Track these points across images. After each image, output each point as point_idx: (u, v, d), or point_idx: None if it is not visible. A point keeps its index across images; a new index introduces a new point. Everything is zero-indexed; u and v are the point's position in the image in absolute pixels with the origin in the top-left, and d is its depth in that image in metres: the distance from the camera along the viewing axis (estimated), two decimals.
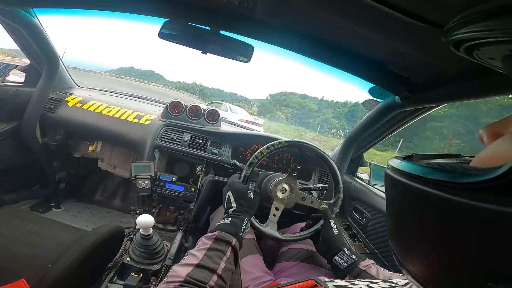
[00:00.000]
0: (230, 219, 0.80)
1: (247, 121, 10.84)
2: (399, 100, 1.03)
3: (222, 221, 0.80)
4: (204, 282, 0.61)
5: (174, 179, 1.58)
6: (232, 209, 0.84)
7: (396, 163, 0.32)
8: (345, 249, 0.93)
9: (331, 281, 0.54)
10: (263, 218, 1.04)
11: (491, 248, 0.21)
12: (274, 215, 1.05)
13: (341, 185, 1.10)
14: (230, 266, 0.70)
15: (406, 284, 0.43)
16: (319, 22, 0.81)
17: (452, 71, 0.77)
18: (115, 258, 1.19)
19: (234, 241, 0.74)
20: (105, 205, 2.24)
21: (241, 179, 0.97)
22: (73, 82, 2.02)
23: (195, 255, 0.68)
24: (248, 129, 2.05)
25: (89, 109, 1.76)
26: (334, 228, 0.98)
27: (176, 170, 1.68)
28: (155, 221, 1.58)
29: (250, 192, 0.89)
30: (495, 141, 0.27)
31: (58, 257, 0.92)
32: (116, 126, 1.71)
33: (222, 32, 0.99)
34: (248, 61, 1.08)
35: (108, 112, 1.75)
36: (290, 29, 0.90)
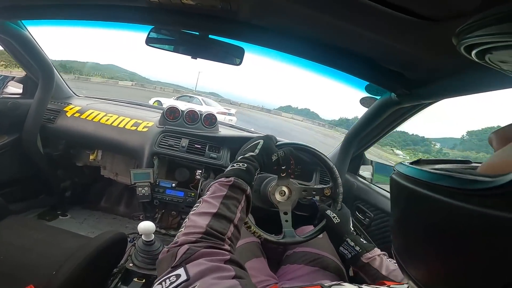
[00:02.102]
0: (245, 165, 0.75)
1: (224, 113, 11.50)
2: (395, 97, 1.01)
3: (237, 166, 0.75)
4: (223, 233, 0.59)
5: (173, 184, 1.59)
6: (251, 154, 0.81)
7: (402, 168, 0.32)
8: (348, 240, 0.90)
9: (339, 284, 0.54)
10: (262, 221, 1.02)
11: (499, 255, 0.20)
12: (287, 221, 1.03)
13: (335, 170, 1.07)
14: (243, 215, 0.68)
15: None
16: (306, 21, 0.79)
17: (447, 66, 0.74)
18: (119, 264, 1.20)
19: (248, 190, 0.71)
20: (110, 211, 2.26)
21: (277, 143, 0.94)
22: (70, 91, 2.04)
23: (211, 202, 0.64)
24: (247, 132, 2.04)
25: (87, 118, 1.77)
26: (334, 217, 0.96)
27: (176, 175, 1.68)
28: (157, 226, 1.60)
29: (275, 155, 0.87)
30: (505, 146, 0.26)
31: (63, 264, 0.94)
32: (114, 134, 1.72)
33: (211, 36, 0.98)
34: (240, 64, 1.07)
35: (106, 120, 1.76)
36: (278, 30, 0.88)
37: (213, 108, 11.98)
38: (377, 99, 1.17)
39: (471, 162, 0.33)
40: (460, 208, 0.22)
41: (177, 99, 12.64)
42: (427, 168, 0.29)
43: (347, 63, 0.93)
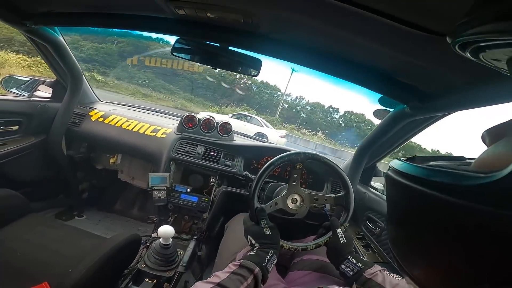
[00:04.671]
0: (256, 251, 0.85)
1: (284, 136, 10.94)
2: (408, 109, 1.02)
3: (249, 254, 0.85)
4: None
5: (188, 190, 1.63)
6: (257, 248, 0.88)
7: (397, 164, 0.32)
8: (350, 257, 0.93)
9: None
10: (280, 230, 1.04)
11: (492, 250, 0.21)
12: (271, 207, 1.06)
13: (351, 189, 1.09)
14: None
15: None
16: (323, 36, 0.82)
17: (460, 79, 0.76)
18: (131, 265, 1.23)
19: (257, 269, 0.77)
20: (124, 214, 2.32)
21: (251, 219, 1.00)
22: (95, 97, 2.15)
23: (219, 275, 0.72)
24: (261, 141, 2.08)
25: (110, 123, 1.86)
26: (342, 237, 0.98)
27: (190, 181, 1.72)
28: None
29: (266, 230, 0.92)
30: (497, 142, 0.27)
31: (78, 262, 0.97)
32: (134, 139, 1.79)
33: (231, 48, 1.03)
34: (257, 74, 1.12)
35: (128, 126, 1.84)
36: (296, 44, 0.92)
37: (275, 131, 11.56)
38: (390, 111, 1.19)
39: (465, 159, 0.33)
40: (454, 203, 0.23)
41: (231, 117, 11.78)
42: (422, 164, 0.30)
43: (361, 77, 0.96)
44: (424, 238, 0.28)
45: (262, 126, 11.23)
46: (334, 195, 1.10)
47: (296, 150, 1.12)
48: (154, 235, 1.48)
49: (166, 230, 1.17)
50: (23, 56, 12.10)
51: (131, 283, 1.15)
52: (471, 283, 0.24)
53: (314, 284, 0.99)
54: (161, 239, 1.20)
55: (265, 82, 23.90)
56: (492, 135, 0.29)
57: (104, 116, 1.90)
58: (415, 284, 0.30)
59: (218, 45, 1.03)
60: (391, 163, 0.34)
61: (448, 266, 0.25)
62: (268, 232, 0.91)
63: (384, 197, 1.44)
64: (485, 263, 0.22)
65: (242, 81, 23.12)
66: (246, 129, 9.48)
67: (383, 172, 1.58)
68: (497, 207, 0.20)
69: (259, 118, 12.18)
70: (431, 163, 0.32)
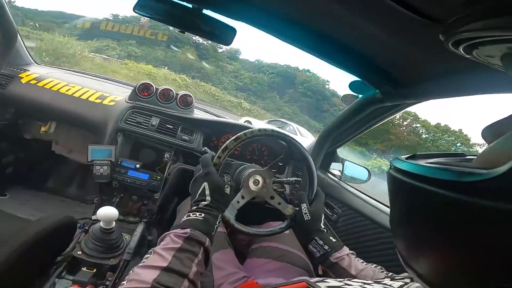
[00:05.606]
0: (203, 215, 0.71)
1: None
2: (379, 94, 1.02)
3: (193, 216, 0.70)
4: None
5: (138, 166, 1.47)
6: (205, 203, 0.74)
7: (399, 163, 0.32)
8: (317, 238, 0.89)
9: (322, 280, 0.53)
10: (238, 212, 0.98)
11: (496, 245, 0.21)
12: (280, 203, 1.00)
13: (316, 189, 1.05)
14: (201, 269, 0.64)
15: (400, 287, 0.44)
16: (308, 7, 0.76)
17: (438, 67, 0.76)
18: (65, 251, 1.09)
19: (207, 242, 0.66)
20: (59, 193, 2.07)
21: (215, 166, 0.87)
22: (30, 59, 1.85)
23: (162, 255, 0.58)
24: (223, 118, 1.98)
25: (44, 86, 1.60)
26: (306, 214, 0.93)
27: (141, 156, 1.56)
28: None
29: (227, 187, 0.80)
30: (498, 139, 0.27)
31: None
32: (74, 106, 1.57)
33: (204, 11, 0.92)
34: (229, 44, 1.02)
35: (67, 90, 1.60)
36: (278, 14, 0.84)
37: (310, 139, 10.74)
38: (358, 97, 1.19)
39: (465, 155, 0.35)
40: (456, 199, 0.23)
41: (268, 123, 11.09)
42: (423, 162, 0.31)
43: (338, 56, 0.92)
44: (429, 235, 0.28)
45: (296, 134, 10.17)
46: (289, 206, 1.03)
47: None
48: (94, 217, 1.31)
49: (108, 212, 1.03)
50: (186, 77, 16.00)
51: (65, 272, 1.01)
52: (476, 278, 0.24)
53: (274, 274, 0.95)
54: (101, 222, 1.06)
55: (442, 125, 17.85)
56: (493, 132, 0.30)
57: (38, 79, 1.62)
58: (422, 282, 0.30)
59: (191, 6, 0.90)
60: (392, 161, 0.34)
61: (453, 261, 0.26)
62: (227, 191, 0.80)
63: (342, 183, 1.49)
64: (488, 258, 0.22)
65: (405, 123, 17.92)
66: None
67: (342, 158, 1.62)
68: (498, 202, 0.20)
69: (294, 126, 11.22)
70: (432, 160, 0.33)
